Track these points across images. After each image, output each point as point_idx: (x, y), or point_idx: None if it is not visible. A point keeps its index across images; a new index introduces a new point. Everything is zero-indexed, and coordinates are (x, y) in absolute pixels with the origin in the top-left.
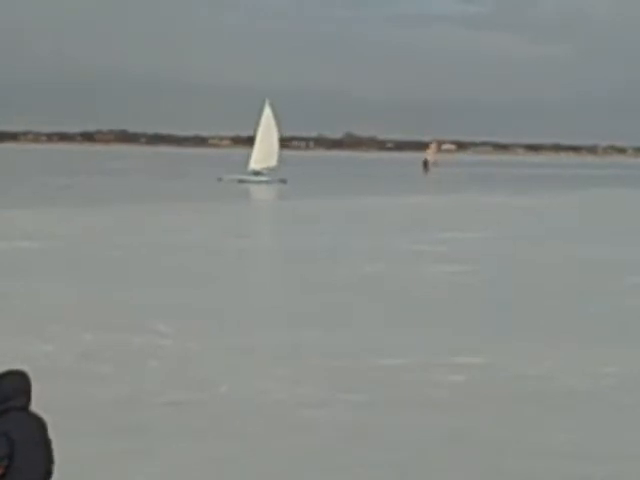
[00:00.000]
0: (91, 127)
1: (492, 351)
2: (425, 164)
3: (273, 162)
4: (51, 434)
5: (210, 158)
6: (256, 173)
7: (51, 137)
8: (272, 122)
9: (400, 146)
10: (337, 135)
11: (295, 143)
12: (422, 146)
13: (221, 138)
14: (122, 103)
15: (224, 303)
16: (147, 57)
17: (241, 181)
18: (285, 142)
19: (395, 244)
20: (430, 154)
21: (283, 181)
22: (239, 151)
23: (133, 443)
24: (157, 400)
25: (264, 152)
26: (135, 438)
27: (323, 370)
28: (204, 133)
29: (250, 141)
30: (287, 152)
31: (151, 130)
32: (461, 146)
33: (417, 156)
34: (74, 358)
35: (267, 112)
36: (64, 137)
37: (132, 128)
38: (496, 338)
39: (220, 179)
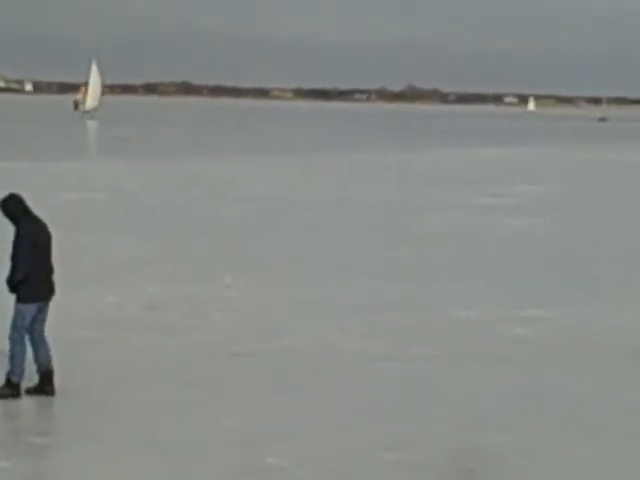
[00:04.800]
0: (153, 79)
1: (561, 305)
2: None
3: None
4: (121, 384)
5: (272, 110)
6: None
7: (113, 89)
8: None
9: (462, 99)
10: (399, 87)
11: (357, 96)
12: (485, 99)
13: (283, 90)
14: (185, 55)
15: (292, 256)
16: (210, 9)
17: None
18: (346, 94)
19: (463, 197)
20: None
21: None
22: (301, 104)
23: (198, 395)
24: (223, 351)
25: None
26: (201, 390)
27: (391, 323)
28: (266, 85)
29: (313, 93)
30: (348, 104)
31: (213, 82)
32: (523, 99)
33: (480, 109)
34: (140, 309)
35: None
36: (126, 89)
37: (194, 80)
38: (565, 292)
39: None
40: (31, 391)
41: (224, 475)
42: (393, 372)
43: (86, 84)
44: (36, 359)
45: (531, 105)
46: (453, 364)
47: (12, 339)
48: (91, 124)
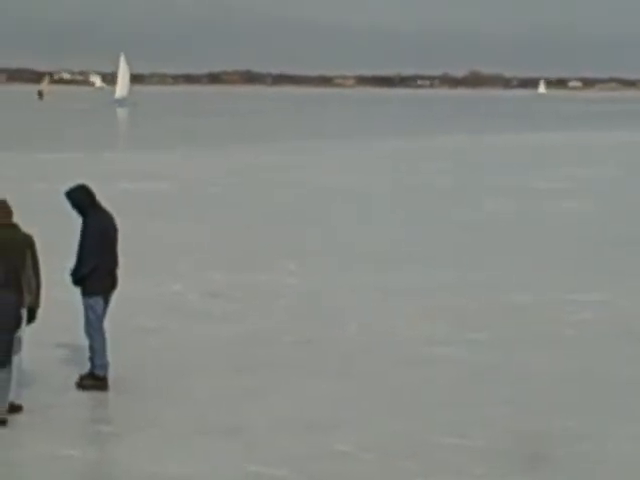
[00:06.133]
0: (216, 68)
1: (619, 289)
2: None
3: None
4: (181, 371)
5: (335, 98)
6: None
7: (177, 79)
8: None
9: (525, 83)
10: (462, 73)
11: (419, 82)
12: (548, 83)
13: (345, 77)
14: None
15: (348, 242)
16: None
17: None
18: (409, 81)
19: (517, 181)
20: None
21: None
22: (364, 90)
23: (259, 381)
24: (284, 338)
25: None
26: (261, 376)
27: (448, 308)
28: (329, 73)
29: (375, 80)
30: (410, 91)
31: (276, 70)
32: (587, 83)
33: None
34: (201, 297)
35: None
36: (190, 79)
37: (257, 68)
38: (620, 275)
39: None
40: (84, 384)
41: (289, 461)
42: (451, 357)
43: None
44: None
45: (542, 88)
46: (509, 348)
47: (88, 333)
48: (121, 112)
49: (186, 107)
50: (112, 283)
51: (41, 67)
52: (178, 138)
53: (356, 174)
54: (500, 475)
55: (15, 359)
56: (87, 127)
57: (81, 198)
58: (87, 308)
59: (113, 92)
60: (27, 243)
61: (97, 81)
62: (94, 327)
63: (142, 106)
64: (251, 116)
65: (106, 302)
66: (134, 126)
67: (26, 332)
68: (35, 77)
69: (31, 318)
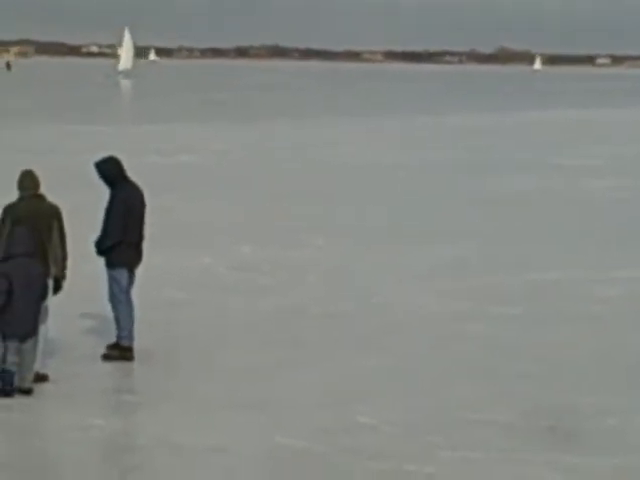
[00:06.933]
0: (244, 42)
1: None
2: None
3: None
4: (209, 344)
5: (363, 73)
6: None
7: (205, 53)
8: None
9: (553, 60)
10: (490, 49)
11: (447, 58)
12: (577, 60)
13: (374, 53)
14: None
15: (378, 218)
16: None
17: None
18: (437, 57)
19: (546, 158)
20: None
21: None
22: (392, 66)
23: (287, 355)
24: (312, 312)
25: None
26: (289, 350)
27: (476, 284)
28: (357, 48)
29: (403, 56)
30: (438, 67)
31: (303, 45)
32: (616, 60)
33: (570, 70)
34: (231, 271)
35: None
36: (217, 52)
37: (284, 43)
38: None
39: None
40: (109, 355)
41: (315, 433)
42: (478, 332)
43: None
44: None
45: (537, 64)
46: (537, 324)
47: (113, 305)
48: (125, 83)
49: (213, 80)
50: (137, 256)
51: (70, 40)
52: (205, 111)
53: (383, 150)
54: (526, 450)
55: (41, 329)
56: (106, 99)
57: (110, 170)
58: (111, 280)
59: (166, 65)
60: (54, 214)
61: (152, 55)
62: (118, 299)
63: (168, 79)
64: (278, 90)
65: (131, 274)
66: (157, 99)
67: (52, 302)
68: (65, 50)
69: (57, 288)
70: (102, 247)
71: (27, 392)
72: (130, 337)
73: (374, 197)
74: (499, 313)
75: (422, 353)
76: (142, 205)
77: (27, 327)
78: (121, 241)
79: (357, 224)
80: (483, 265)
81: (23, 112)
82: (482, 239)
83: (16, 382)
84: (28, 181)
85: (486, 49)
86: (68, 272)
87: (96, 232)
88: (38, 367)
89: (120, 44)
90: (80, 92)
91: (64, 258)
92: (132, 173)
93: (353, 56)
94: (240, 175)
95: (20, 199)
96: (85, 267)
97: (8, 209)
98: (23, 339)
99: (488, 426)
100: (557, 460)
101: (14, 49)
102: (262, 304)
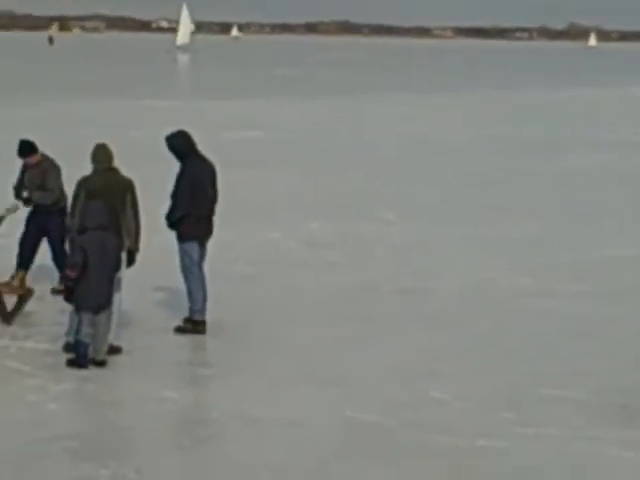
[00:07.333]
0: (314, 18)
1: None
2: None
3: None
4: (279, 318)
5: (432, 49)
6: None
7: (274, 28)
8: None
9: (625, 36)
10: (560, 26)
11: (518, 34)
12: None
13: (444, 29)
14: None
15: (454, 193)
16: None
17: None
18: (507, 33)
19: (615, 135)
20: None
21: None
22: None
23: (357, 330)
24: (383, 288)
25: None
26: (359, 325)
27: (547, 260)
28: (427, 24)
29: (473, 32)
30: (508, 43)
31: (373, 21)
32: None
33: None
34: (300, 246)
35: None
36: (287, 28)
37: (354, 19)
38: None
39: None
40: (182, 328)
41: (387, 408)
42: (549, 309)
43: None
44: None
45: (592, 40)
46: (610, 301)
47: (185, 278)
48: (182, 59)
49: (282, 56)
50: (207, 229)
51: (141, 16)
52: (273, 87)
53: (453, 127)
54: (598, 427)
55: (115, 301)
56: (169, 74)
57: (180, 144)
58: (183, 253)
59: (249, 41)
60: (127, 187)
61: (234, 31)
62: (191, 272)
63: (237, 54)
64: (348, 67)
65: (202, 248)
66: (222, 75)
67: (126, 275)
68: (136, 25)
69: (130, 261)
70: (171, 219)
71: (101, 364)
72: (203, 311)
73: (445, 173)
74: (571, 290)
75: (493, 329)
76: (213, 179)
77: (101, 299)
78: (190, 214)
79: (428, 200)
80: (555, 241)
81: (85, 87)
82: (554, 215)
83: (90, 354)
84: (102, 154)
85: (557, 25)
86: (141, 245)
87: (167, 205)
88: (112, 339)
89: (179, 20)
90: (138, 68)
91: (137, 231)
92: (201, 148)
93: (423, 32)
94: (309, 151)
95: (94, 172)
96: (158, 240)
97: (82, 182)
98: (97, 311)
99: (560, 403)
100: (629, 438)
101: (55, 24)
102: (332, 279)
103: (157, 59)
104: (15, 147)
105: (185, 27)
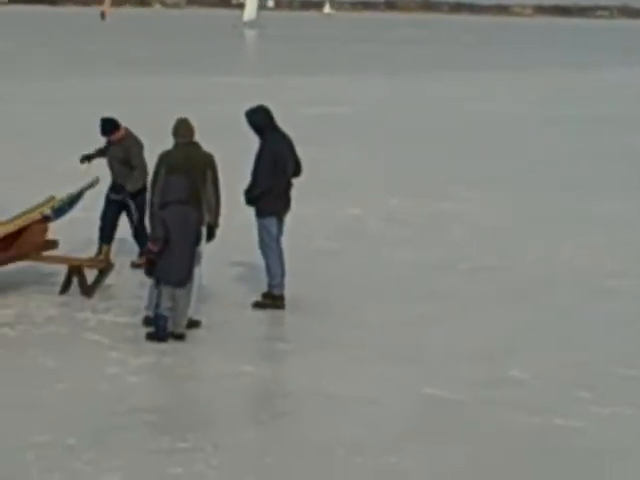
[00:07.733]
0: None
1: None
2: None
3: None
4: (358, 295)
5: (511, 27)
6: None
7: (355, 5)
8: None
9: None
10: None
11: (598, 12)
12: None
13: (524, 7)
14: None
15: (534, 172)
16: None
17: None
18: (587, 11)
19: None
20: None
21: None
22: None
23: (434, 308)
24: (462, 266)
25: None
26: (437, 303)
27: (626, 240)
28: (506, 2)
29: (553, 10)
30: (589, 21)
31: None
32: None
33: None
34: (380, 222)
35: None
36: (368, 5)
37: None
38: None
39: None
40: (261, 303)
41: (465, 386)
42: (629, 289)
43: None
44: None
45: (327, 8)
46: None
47: (264, 253)
48: (249, 34)
49: (362, 33)
50: (285, 205)
51: None
52: (353, 64)
53: (534, 105)
54: None
55: (195, 275)
56: (238, 50)
57: (260, 119)
58: (261, 228)
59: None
60: (208, 162)
61: (326, 8)
62: (269, 247)
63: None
64: (427, 43)
65: (280, 223)
66: (301, 51)
67: (205, 250)
68: (215, 1)
69: (210, 236)
70: (251, 196)
71: (180, 337)
72: (281, 286)
73: (526, 151)
74: None
75: (574, 308)
76: (291, 154)
77: (182, 273)
78: (270, 190)
79: (509, 178)
80: (632, 221)
81: (157, 62)
82: (636, 194)
83: (169, 327)
84: (184, 129)
85: (638, 4)
86: (221, 221)
87: (246, 181)
88: (191, 313)
89: None
90: (206, 43)
91: (217, 206)
92: (280, 124)
93: (502, 10)
94: (387, 127)
95: (175, 147)
96: (237, 215)
97: (164, 157)
98: (177, 285)
99: (638, 383)
100: None
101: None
102: (410, 256)
103: (224, 36)
104: (97, 121)
105: (252, 3)
